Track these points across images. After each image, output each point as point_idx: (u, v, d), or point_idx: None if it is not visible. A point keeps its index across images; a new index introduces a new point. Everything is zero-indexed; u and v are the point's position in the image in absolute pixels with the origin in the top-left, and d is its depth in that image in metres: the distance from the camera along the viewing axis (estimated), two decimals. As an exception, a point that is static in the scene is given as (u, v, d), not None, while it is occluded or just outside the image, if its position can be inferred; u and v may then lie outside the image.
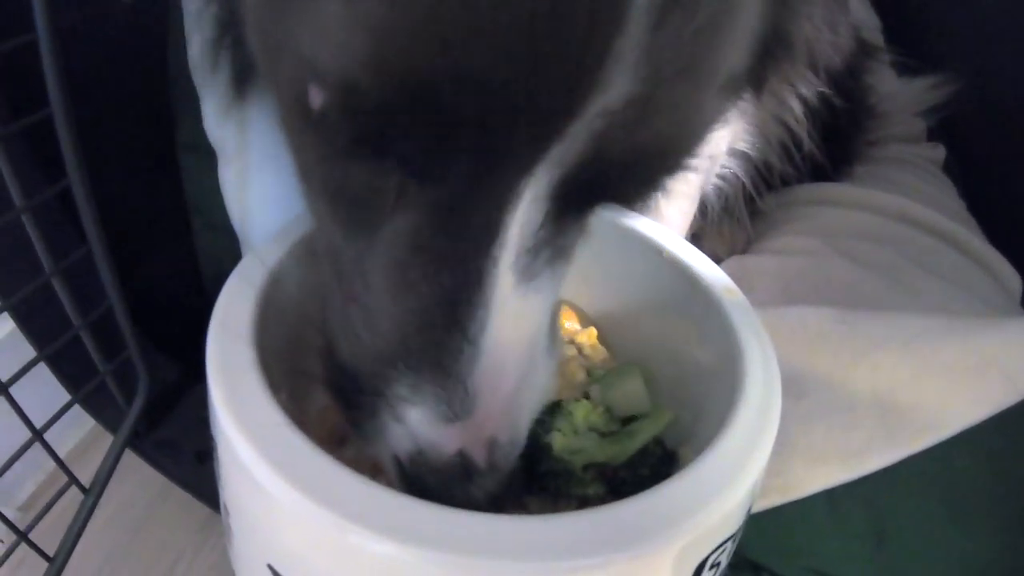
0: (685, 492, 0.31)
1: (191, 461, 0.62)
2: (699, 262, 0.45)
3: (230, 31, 0.43)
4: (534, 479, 0.39)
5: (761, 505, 0.45)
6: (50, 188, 0.47)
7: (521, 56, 0.24)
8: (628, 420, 0.42)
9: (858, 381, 0.47)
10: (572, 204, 0.30)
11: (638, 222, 0.48)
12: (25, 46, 0.41)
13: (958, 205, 0.80)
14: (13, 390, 0.46)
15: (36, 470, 0.74)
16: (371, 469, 0.38)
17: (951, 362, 0.46)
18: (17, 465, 0.47)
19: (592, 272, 0.46)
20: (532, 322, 0.32)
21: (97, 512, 0.54)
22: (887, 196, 0.73)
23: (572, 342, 0.48)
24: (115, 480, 0.56)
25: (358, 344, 0.33)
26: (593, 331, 0.49)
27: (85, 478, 0.54)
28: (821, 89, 0.59)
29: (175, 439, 0.63)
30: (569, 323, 0.50)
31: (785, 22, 0.36)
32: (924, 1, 0.99)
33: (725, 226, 0.74)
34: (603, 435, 0.40)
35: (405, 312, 0.31)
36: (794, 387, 0.46)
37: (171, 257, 0.65)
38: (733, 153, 0.65)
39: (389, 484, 0.31)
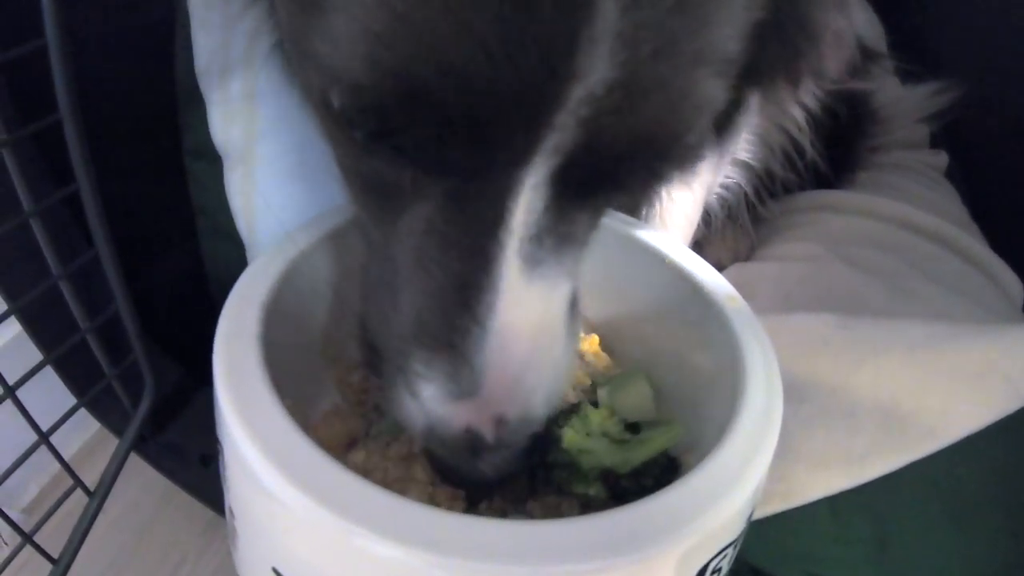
0: (687, 497, 0.31)
1: (196, 464, 0.62)
2: (701, 269, 0.45)
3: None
4: (540, 467, 0.40)
5: (763, 511, 0.45)
6: (58, 192, 0.48)
7: (497, 51, 0.25)
8: (632, 426, 0.42)
9: (860, 387, 0.47)
10: (575, 192, 0.31)
11: (640, 230, 0.48)
12: (34, 52, 0.41)
13: (960, 211, 0.80)
14: (19, 393, 0.46)
15: (41, 472, 0.74)
16: (377, 474, 0.38)
17: (953, 368, 0.46)
18: (22, 467, 0.47)
19: (594, 280, 0.46)
20: (540, 306, 0.33)
21: (102, 515, 0.54)
22: (889, 203, 0.73)
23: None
24: (120, 483, 0.56)
25: (384, 322, 0.36)
26: (595, 338, 0.50)
27: (90, 481, 0.54)
28: (822, 97, 0.59)
29: (180, 442, 0.63)
30: (572, 329, 0.50)
31: (809, 11, 0.36)
32: (927, 8, 0.99)
33: (729, 234, 0.74)
34: (613, 442, 0.41)
35: (421, 294, 0.33)
36: (796, 393, 0.46)
37: (177, 261, 0.65)
38: (736, 162, 0.65)
39: (401, 492, 0.32)
